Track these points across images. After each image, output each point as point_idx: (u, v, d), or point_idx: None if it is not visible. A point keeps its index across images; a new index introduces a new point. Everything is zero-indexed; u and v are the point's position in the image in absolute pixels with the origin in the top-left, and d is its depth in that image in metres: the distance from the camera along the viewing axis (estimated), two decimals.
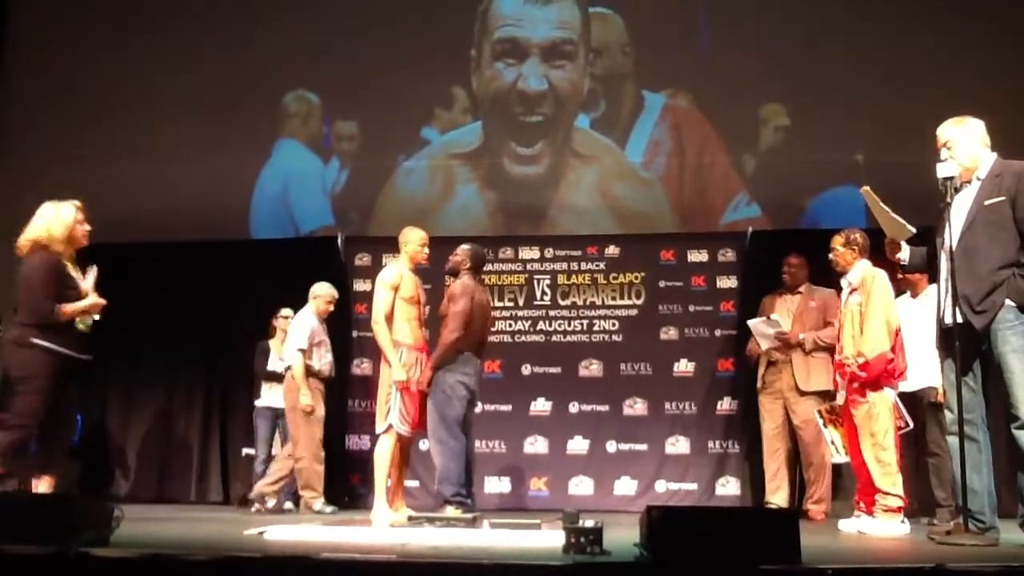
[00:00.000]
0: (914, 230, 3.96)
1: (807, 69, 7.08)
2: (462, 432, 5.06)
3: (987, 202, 3.71)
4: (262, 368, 6.18)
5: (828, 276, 4.87)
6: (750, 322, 5.78)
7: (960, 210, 3.78)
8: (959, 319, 3.69)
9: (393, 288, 4.98)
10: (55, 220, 4.51)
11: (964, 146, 3.80)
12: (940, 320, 3.81)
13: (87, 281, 4.55)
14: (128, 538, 3.15)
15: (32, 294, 4.31)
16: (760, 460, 5.92)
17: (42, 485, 4.48)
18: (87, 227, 4.59)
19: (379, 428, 4.97)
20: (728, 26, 7.28)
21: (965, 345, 3.69)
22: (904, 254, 4.06)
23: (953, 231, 3.72)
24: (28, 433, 4.28)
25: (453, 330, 5.02)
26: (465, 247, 5.34)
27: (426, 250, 5.16)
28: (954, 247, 3.70)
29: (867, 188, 4.05)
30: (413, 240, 5.14)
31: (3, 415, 4.36)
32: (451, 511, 4.90)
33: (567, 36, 7.41)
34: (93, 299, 4.47)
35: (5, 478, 4.32)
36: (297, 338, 5.85)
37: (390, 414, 4.90)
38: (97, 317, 4.52)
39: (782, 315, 5.71)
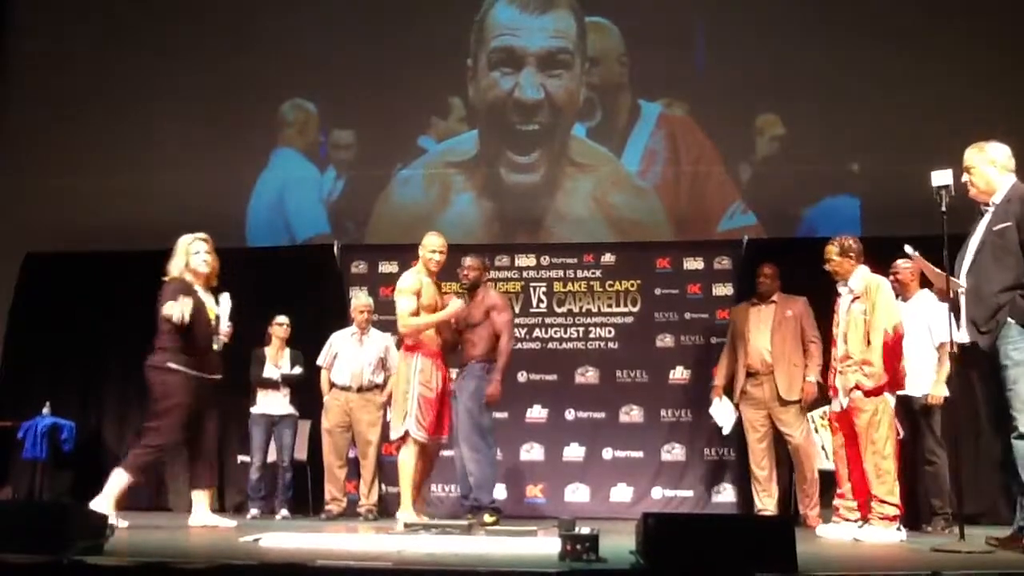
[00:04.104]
0: (964, 286, 3.95)
1: (803, 79, 7.11)
2: None
3: (996, 227, 3.82)
4: (258, 375, 6.16)
5: (825, 284, 4.87)
6: (712, 410, 5.90)
7: (976, 235, 3.91)
8: (968, 340, 3.86)
9: (415, 294, 5.03)
10: (179, 251, 4.89)
11: (981, 171, 3.91)
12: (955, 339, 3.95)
13: (221, 307, 4.91)
14: (122, 546, 3.14)
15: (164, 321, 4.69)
16: None
17: (198, 499, 4.88)
18: (208, 257, 4.90)
19: (395, 434, 5.00)
20: (724, 36, 7.31)
21: (978, 361, 3.88)
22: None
23: (967, 255, 3.88)
24: (160, 452, 4.74)
25: (510, 338, 5.30)
26: (473, 260, 5.42)
27: (436, 256, 5.17)
28: (967, 271, 3.86)
29: (909, 248, 4.07)
30: (426, 246, 5.19)
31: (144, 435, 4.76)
32: (487, 517, 4.98)
33: (563, 45, 7.44)
34: None
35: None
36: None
37: (407, 419, 4.92)
38: (225, 340, 4.94)
39: (758, 327, 5.74)
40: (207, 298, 4.86)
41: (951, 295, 3.91)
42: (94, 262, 7.23)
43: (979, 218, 3.92)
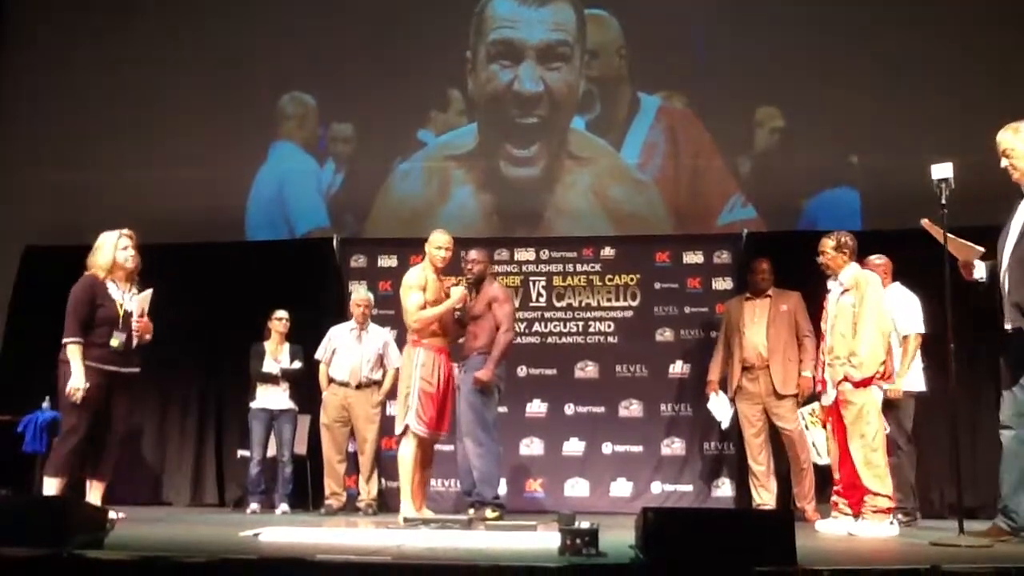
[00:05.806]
0: (982, 249, 3.83)
1: (802, 71, 7.10)
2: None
3: None
4: (257, 370, 6.16)
5: (826, 278, 4.87)
6: (710, 405, 5.94)
7: (1017, 219, 3.80)
8: (1009, 326, 3.74)
9: (421, 288, 5.07)
10: (98, 245, 4.86)
11: (1022, 153, 3.78)
12: (1000, 325, 3.83)
13: (132, 302, 4.77)
14: (122, 540, 3.15)
15: (67, 314, 4.67)
16: None
17: (93, 489, 4.73)
18: (129, 252, 4.84)
19: (398, 429, 5.06)
20: (724, 28, 7.29)
21: (1020, 349, 3.73)
22: (980, 272, 3.94)
23: (1009, 239, 3.77)
24: (74, 443, 4.59)
25: (508, 329, 5.27)
26: (478, 254, 5.44)
27: (442, 253, 5.19)
28: (1010, 254, 3.75)
29: (926, 221, 3.89)
30: (432, 243, 5.22)
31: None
32: (490, 513, 4.98)
33: (563, 38, 7.42)
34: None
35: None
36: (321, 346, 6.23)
37: (408, 414, 4.95)
38: (137, 336, 4.76)
39: (752, 319, 5.78)
40: (118, 293, 4.77)
41: (974, 267, 3.83)
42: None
43: (1018, 202, 3.79)
